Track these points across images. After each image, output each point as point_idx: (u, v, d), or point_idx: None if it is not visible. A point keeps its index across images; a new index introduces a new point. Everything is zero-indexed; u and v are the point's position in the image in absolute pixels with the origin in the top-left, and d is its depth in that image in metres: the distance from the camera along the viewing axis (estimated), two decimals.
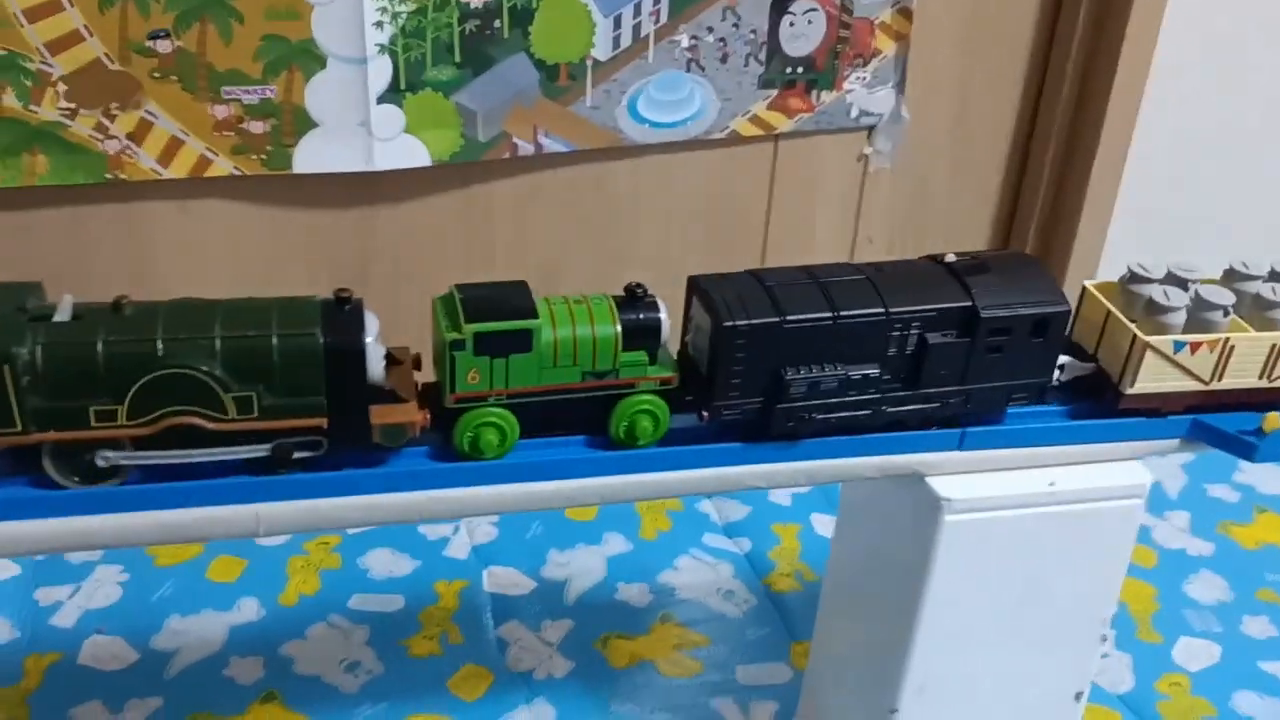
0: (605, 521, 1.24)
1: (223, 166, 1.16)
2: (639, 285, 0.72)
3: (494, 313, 0.68)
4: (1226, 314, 0.78)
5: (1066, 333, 0.78)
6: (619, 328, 0.70)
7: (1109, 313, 0.79)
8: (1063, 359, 0.79)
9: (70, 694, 1.00)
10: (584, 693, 1.02)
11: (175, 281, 1.22)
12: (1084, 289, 0.83)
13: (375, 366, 0.67)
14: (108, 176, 1.13)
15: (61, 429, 0.64)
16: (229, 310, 0.66)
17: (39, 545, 0.67)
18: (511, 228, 1.31)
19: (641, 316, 0.71)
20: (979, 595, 0.80)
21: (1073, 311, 0.79)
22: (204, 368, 0.64)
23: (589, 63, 1.23)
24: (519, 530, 1.22)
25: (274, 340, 0.64)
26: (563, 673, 1.04)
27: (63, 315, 0.64)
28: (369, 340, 0.66)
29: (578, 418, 0.72)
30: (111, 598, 1.11)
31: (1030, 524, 0.78)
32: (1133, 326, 0.77)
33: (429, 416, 0.69)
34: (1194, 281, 0.80)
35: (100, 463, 0.65)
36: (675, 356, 0.74)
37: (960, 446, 0.78)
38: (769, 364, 0.71)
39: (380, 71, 1.15)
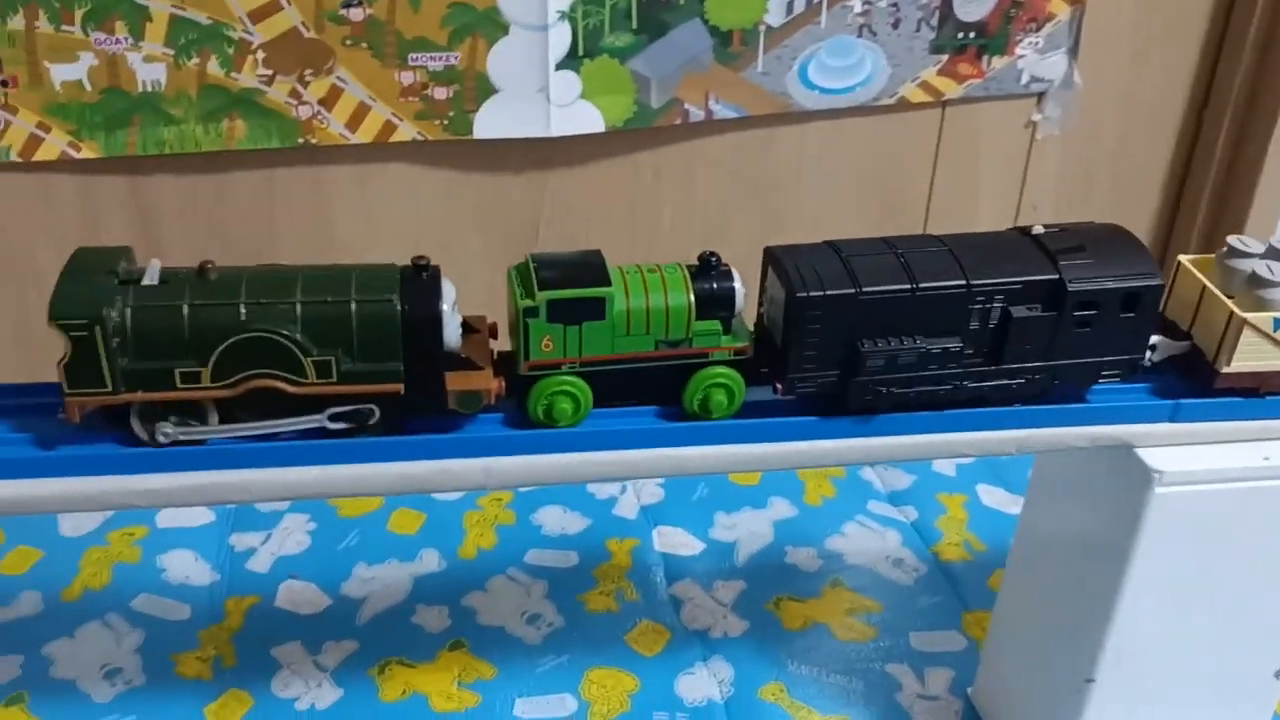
0: (769, 486, 1.25)
1: (406, 132, 1.19)
2: (713, 254, 0.71)
3: (568, 280, 0.68)
4: None
5: (1160, 309, 0.76)
6: (692, 296, 0.70)
7: (1204, 288, 0.76)
8: (1155, 338, 0.77)
9: (270, 634, 1.05)
10: (760, 653, 1.04)
11: (353, 244, 1.27)
12: (1178, 264, 0.80)
13: (451, 334, 0.68)
14: (299, 141, 1.17)
15: (149, 390, 0.66)
16: (310, 277, 0.67)
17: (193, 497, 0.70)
18: (678, 192, 1.32)
19: (715, 286, 0.70)
20: (1184, 568, 0.79)
21: (1167, 287, 0.77)
22: (285, 332, 0.65)
23: (762, 29, 1.23)
24: (685, 492, 1.24)
25: (353, 306, 0.66)
26: (738, 632, 1.06)
27: (151, 279, 0.66)
28: (445, 308, 0.67)
29: (652, 388, 0.72)
30: (302, 545, 1.16)
31: (1243, 498, 0.77)
32: (1229, 302, 0.74)
33: (504, 384, 0.70)
34: None
35: (160, 438, 0.67)
36: (751, 328, 0.73)
37: (1173, 416, 0.77)
38: (844, 336, 0.70)
39: (560, 38, 1.17)
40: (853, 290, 0.69)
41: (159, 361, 0.65)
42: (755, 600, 1.10)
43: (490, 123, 1.20)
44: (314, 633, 1.05)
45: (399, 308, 0.66)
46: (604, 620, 1.07)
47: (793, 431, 0.73)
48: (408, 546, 1.16)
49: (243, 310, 0.65)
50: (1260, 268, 0.75)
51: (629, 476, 0.74)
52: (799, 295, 0.69)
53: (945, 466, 1.29)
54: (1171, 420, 0.77)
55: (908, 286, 0.70)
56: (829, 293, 0.69)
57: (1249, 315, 0.73)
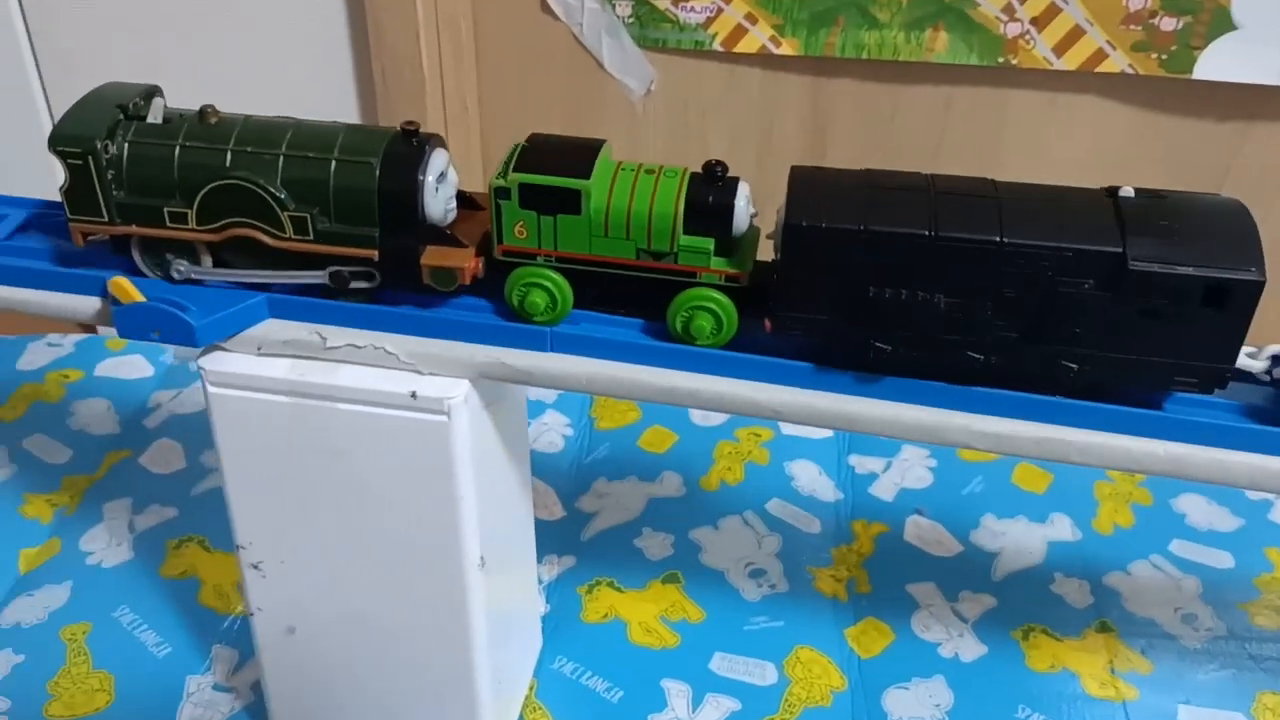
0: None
1: (1116, 63, 1.09)
2: (719, 163, 0.63)
3: (546, 166, 0.63)
4: None
5: None
6: (681, 206, 0.62)
7: None
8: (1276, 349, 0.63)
9: (903, 570, 1.02)
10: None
11: (1017, 173, 1.17)
12: None
13: (435, 206, 0.66)
14: (999, 61, 1.10)
15: (142, 225, 0.68)
16: (300, 130, 0.66)
17: None
18: None
19: (710, 199, 0.63)
20: None
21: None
22: (262, 182, 0.65)
23: None
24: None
25: (332, 165, 0.65)
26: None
27: (154, 118, 0.68)
28: (428, 178, 0.64)
29: (635, 300, 0.66)
30: (923, 481, 1.11)
31: None
32: None
33: (482, 264, 0.66)
34: None
35: (174, 275, 0.69)
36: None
37: None
38: (847, 277, 0.61)
39: None
40: (856, 226, 0.60)
41: (150, 198, 0.67)
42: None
43: (1216, 63, 1.07)
44: (949, 577, 1.01)
45: (376, 171, 0.64)
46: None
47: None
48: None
49: (228, 157, 0.66)
50: None
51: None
52: (791, 223, 0.61)
53: None
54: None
55: (925, 232, 0.59)
56: (826, 225, 0.60)
57: None
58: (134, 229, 0.68)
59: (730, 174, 0.64)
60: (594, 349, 0.67)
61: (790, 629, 0.96)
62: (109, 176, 0.66)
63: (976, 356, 0.62)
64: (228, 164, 0.66)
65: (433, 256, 0.66)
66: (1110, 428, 0.64)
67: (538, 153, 0.64)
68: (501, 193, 0.64)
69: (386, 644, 0.79)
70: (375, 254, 0.66)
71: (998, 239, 0.59)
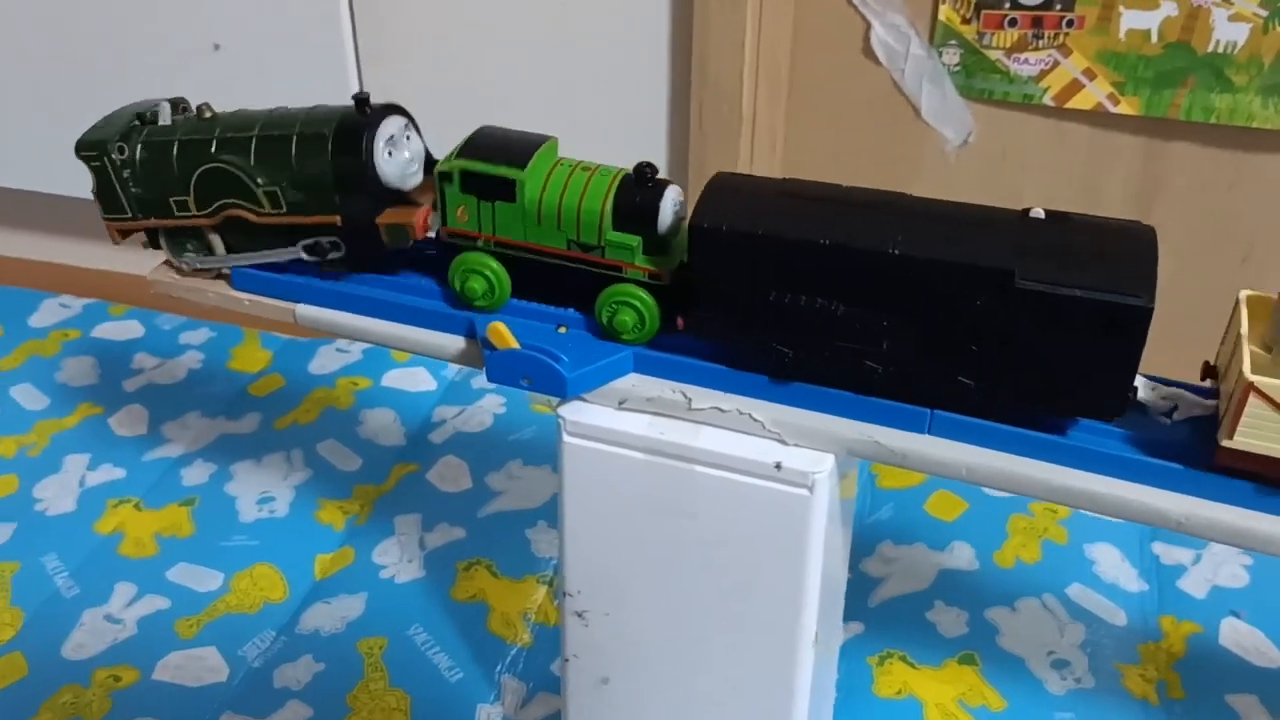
0: None
1: None
2: (649, 165, 0.66)
3: (488, 155, 0.68)
4: None
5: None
6: (609, 204, 0.66)
7: (1239, 336, 0.59)
8: (1179, 392, 0.63)
9: (1221, 677, 0.94)
10: None
11: None
12: (1237, 300, 0.62)
13: (391, 169, 0.70)
14: None
15: (158, 217, 0.75)
16: (273, 115, 0.72)
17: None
18: None
19: (638, 199, 0.66)
20: None
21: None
22: (239, 162, 0.71)
23: None
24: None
25: (293, 140, 0.70)
26: None
27: (163, 120, 0.75)
28: (378, 143, 0.69)
29: (569, 290, 0.70)
30: (1239, 580, 1.04)
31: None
32: (1248, 359, 0.57)
33: (427, 218, 0.70)
34: None
35: (184, 267, 0.77)
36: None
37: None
38: (750, 281, 0.63)
39: None
40: (755, 230, 0.62)
41: (159, 192, 0.74)
42: None
43: None
44: (1273, 690, 0.94)
45: (329, 141, 0.69)
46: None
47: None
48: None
49: (214, 144, 0.72)
50: None
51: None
52: (695, 224, 0.63)
53: None
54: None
55: (819, 240, 0.61)
56: (727, 227, 0.62)
57: (1260, 379, 0.56)
58: (152, 221, 0.75)
59: (661, 177, 0.67)
60: (971, 435, 0.64)
61: None
62: (125, 175, 0.74)
63: (874, 366, 0.63)
64: (213, 150, 0.72)
65: (387, 216, 0.71)
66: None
67: (482, 142, 0.69)
68: (444, 177, 0.68)
69: (702, 709, 0.77)
70: (338, 219, 0.71)
71: (890, 249, 0.59)
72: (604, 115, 1.19)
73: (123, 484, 1.14)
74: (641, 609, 0.74)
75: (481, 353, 0.69)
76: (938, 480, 1.14)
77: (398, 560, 1.05)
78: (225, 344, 1.36)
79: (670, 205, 0.67)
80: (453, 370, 1.31)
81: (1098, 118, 1.09)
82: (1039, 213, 0.61)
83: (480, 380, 1.29)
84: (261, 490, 1.13)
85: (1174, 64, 1.03)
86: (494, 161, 0.67)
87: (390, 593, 1.02)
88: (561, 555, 0.74)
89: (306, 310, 0.75)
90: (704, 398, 0.67)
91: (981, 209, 0.62)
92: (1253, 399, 0.57)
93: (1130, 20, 1.03)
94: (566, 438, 0.69)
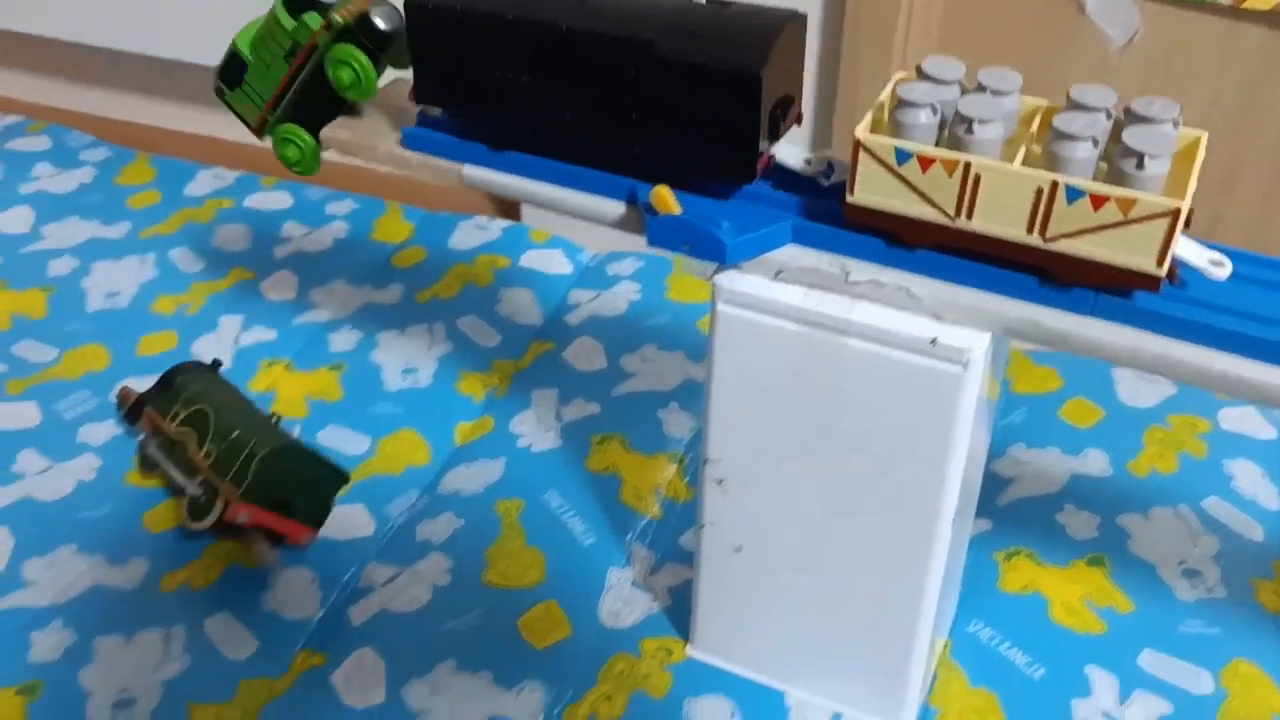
0: None
1: None
2: None
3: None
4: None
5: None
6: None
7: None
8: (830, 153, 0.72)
9: None
10: None
11: None
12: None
13: None
14: None
15: None
16: None
17: None
18: None
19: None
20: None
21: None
22: None
23: None
24: None
25: None
26: None
27: None
28: None
29: (326, 100, 0.81)
30: None
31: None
32: (864, 124, 0.65)
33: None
34: (1003, 93, 0.64)
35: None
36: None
37: None
38: (457, 54, 0.72)
39: None
40: (451, 5, 0.71)
41: None
42: None
43: None
44: None
45: None
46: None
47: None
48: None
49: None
50: (917, 92, 0.63)
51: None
52: (409, 2, 0.72)
53: None
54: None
55: (505, 15, 0.69)
56: (434, 4, 0.71)
57: (869, 137, 0.63)
58: None
59: None
60: (1138, 319, 0.63)
61: (1229, 639, 0.89)
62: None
63: (566, 135, 0.72)
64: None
65: None
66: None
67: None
68: (219, 91, 0.89)
69: (834, 581, 0.79)
70: None
71: (561, 25, 0.68)
72: None
73: (274, 345, 1.19)
74: (781, 480, 0.76)
75: (642, 218, 0.71)
76: (1074, 386, 1.13)
77: (535, 430, 1.08)
78: (369, 215, 1.40)
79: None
80: (588, 255, 1.33)
81: (1277, 18, 1.04)
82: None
83: (615, 266, 1.30)
84: (406, 362, 1.17)
85: None
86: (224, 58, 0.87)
87: (527, 460, 1.05)
88: (706, 423, 0.76)
89: (473, 170, 0.77)
90: (862, 270, 0.68)
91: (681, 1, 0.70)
92: (864, 158, 0.64)
93: None
94: (720, 306, 0.70)
